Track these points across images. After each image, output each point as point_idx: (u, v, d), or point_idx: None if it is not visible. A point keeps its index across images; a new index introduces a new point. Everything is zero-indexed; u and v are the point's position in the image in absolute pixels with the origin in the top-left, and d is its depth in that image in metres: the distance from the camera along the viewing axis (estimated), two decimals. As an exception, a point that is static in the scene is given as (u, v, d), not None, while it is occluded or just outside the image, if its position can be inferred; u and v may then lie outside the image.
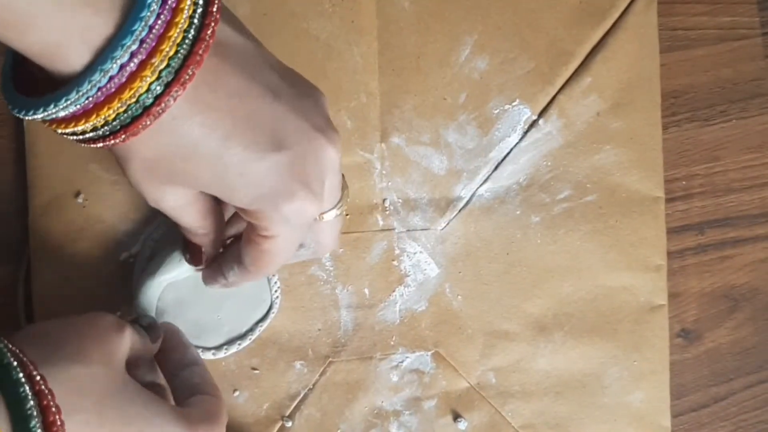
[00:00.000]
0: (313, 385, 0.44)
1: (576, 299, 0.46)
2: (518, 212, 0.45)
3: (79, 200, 0.41)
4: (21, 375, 0.26)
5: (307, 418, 0.44)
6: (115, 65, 0.24)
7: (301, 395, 0.43)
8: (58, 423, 0.26)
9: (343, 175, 0.34)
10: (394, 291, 0.44)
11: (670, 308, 0.47)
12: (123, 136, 0.26)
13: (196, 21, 0.26)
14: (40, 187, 0.40)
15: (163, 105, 0.26)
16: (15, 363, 0.26)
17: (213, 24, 0.26)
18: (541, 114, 0.45)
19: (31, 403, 0.26)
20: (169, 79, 0.26)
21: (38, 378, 0.26)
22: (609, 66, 0.45)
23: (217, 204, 0.34)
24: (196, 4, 0.26)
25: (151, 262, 0.40)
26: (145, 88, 0.25)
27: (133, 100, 0.25)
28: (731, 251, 0.49)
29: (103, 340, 0.31)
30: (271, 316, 0.43)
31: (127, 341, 0.33)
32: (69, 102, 0.25)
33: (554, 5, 0.45)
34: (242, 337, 0.42)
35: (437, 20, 0.44)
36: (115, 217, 0.41)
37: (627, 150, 0.46)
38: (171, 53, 0.25)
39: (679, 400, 0.48)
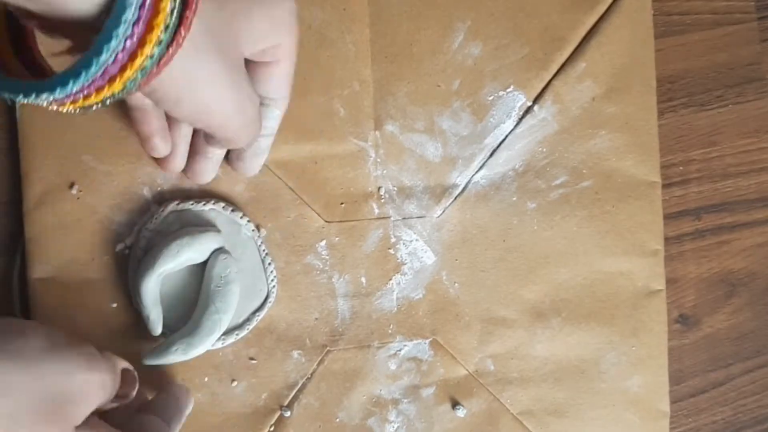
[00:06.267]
0: (311, 374, 0.44)
1: (573, 285, 0.46)
2: (514, 199, 0.45)
3: (74, 191, 0.41)
4: None
5: (305, 408, 0.43)
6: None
7: (299, 385, 0.43)
8: None
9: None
10: (390, 279, 0.44)
11: (668, 294, 0.47)
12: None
13: None
14: (34, 179, 0.40)
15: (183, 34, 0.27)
16: None
17: None
18: (535, 100, 0.45)
19: None
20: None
21: None
22: (603, 51, 0.45)
23: None
24: None
25: (147, 255, 0.40)
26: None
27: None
28: (729, 236, 0.49)
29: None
30: (268, 305, 0.43)
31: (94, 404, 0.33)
32: (111, 51, 0.24)
33: (547, -10, 0.44)
34: (239, 327, 0.42)
35: (430, 7, 0.43)
36: (109, 208, 0.41)
37: (622, 135, 0.45)
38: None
39: (677, 385, 0.48)
